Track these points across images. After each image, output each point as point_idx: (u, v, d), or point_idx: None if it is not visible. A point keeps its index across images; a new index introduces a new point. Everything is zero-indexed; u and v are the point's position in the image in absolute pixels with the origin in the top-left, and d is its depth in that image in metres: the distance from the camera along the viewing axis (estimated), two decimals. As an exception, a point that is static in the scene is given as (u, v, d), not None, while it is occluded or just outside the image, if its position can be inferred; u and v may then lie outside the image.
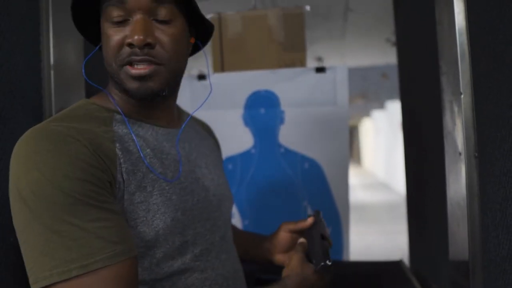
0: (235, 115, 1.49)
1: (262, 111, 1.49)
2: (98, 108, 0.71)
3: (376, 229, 5.69)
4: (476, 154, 0.81)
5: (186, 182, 0.73)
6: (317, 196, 1.49)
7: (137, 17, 0.66)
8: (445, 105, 0.93)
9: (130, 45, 0.65)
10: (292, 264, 0.80)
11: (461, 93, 0.84)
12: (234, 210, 1.56)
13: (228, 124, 1.49)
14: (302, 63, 1.47)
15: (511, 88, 0.67)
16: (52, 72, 1.03)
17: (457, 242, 0.90)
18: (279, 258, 0.96)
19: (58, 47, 1.06)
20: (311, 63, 4.59)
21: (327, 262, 0.99)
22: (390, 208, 7.02)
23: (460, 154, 0.86)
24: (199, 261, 0.72)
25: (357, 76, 6.31)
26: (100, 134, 0.64)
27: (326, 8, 2.80)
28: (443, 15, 0.91)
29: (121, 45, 0.66)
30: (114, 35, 0.66)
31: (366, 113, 13.59)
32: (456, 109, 0.87)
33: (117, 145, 0.65)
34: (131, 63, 0.66)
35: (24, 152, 0.59)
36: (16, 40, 0.93)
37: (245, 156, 1.53)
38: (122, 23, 0.66)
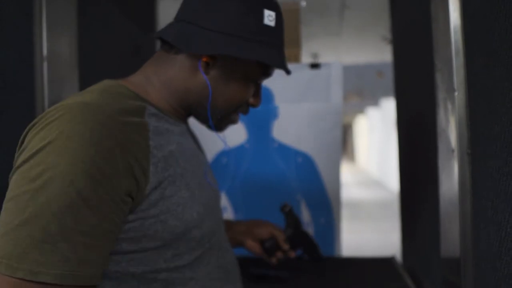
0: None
1: (257, 106, 1.49)
2: (134, 94, 0.68)
3: (370, 227, 5.72)
4: (469, 151, 0.82)
5: (200, 177, 0.75)
6: (310, 190, 1.50)
7: (260, 87, 0.80)
8: (439, 102, 0.93)
9: (252, 105, 0.79)
10: None
11: (455, 91, 0.84)
12: (227, 203, 1.56)
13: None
14: (296, 59, 1.47)
15: (504, 86, 0.67)
16: (45, 64, 1.02)
17: (449, 239, 0.90)
18: (250, 244, 1.02)
19: (52, 39, 1.05)
20: (307, 59, 4.58)
21: (321, 253, 1.02)
22: (384, 206, 7.06)
23: (453, 151, 0.86)
24: (212, 251, 0.75)
25: (353, 73, 6.32)
26: (134, 128, 0.62)
27: (322, 5, 2.80)
28: (438, 12, 0.91)
29: (247, 100, 0.78)
30: (249, 92, 0.76)
31: (361, 110, 13.64)
32: (450, 106, 0.87)
33: (151, 138, 0.64)
34: (239, 113, 0.79)
35: (56, 130, 0.55)
36: (9, 32, 0.92)
37: (238, 150, 1.53)
38: (255, 84, 0.77)
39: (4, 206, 0.54)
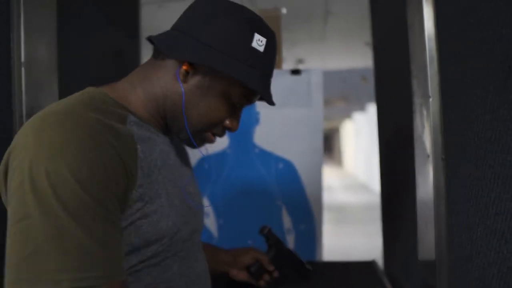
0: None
1: (238, 111, 1.49)
2: (114, 103, 0.68)
3: (356, 230, 5.76)
4: (443, 157, 0.83)
5: (181, 189, 0.75)
6: (291, 196, 1.51)
7: (240, 112, 0.78)
8: (416, 108, 0.95)
9: (228, 128, 0.77)
10: None
11: (429, 97, 0.86)
12: (209, 209, 1.56)
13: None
14: (278, 65, 1.48)
15: (475, 92, 0.69)
16: (22, 70, 1.01)
17: (425, 242, 0.92)
18: (235, 273, 1.02)
19: (30, 44, 1.04)
20: (292, 65, 4.61)
21: (308, 267, 1.03)
22: (370, 209, 7.11)
23: (428, 156, 0.88)
24: (175, 258, 0.73)
25: (338, 78, 6.37)
26: (121, 132, 0.63)
27: (307, 11, 2.83)
28: (414, 20, 0.93)
29: (222, 122, 0.75)
30: (225, 113, 0.74)
31: (348, 115, 13.75)
32: (425, 112, 0.89)
33: (138, 144, 0.65)
34: (216, 134, 0.77)
35: (47, 136, 0.56)
36: (-15, 36, 0.91)
37: (220, 156, 1.53)
38: (233, 106, 0.75)
39: (16, 226, 0.53)
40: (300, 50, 4.07)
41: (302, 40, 3.64)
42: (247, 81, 0.69)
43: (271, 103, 0.77)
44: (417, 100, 0.94)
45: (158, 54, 0.73)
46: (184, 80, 0.71)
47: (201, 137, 0.76)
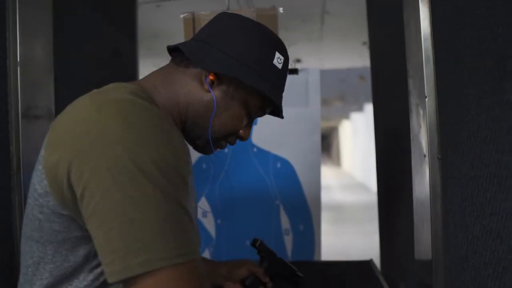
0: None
1: (235, 111, 1.49)
2: (147, 98, 0.68)
3: (354, 229, 5.76)
4: (439, 156, 0.84)
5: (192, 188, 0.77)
6: (289, 195, 1.51)
7: (252, 122, 0.82)
8: (412, 108, 0.95)
9: (241, 138, 0.80)
10: None
11: (425, 97, 0.86)
12: (207, 208, 1.56)
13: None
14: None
15: (469, 92, 0.69)
16: (18, 69, 1.01)
17: (422, 242, 0.92)
18: (230, 286, 1.02)
19: (26, 44, 1.03)
20: (290, 65, 4.61)
21: (299, 274, 1.04)
22: (368, 208, 7.12)
23: (425, 156, 0.88)
24: None
25: (336, 78, 6.37)
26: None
27: (304, 10, 2.83)
28: (410, 20, 0.93)
29: (239, 130, 0.78)
30: (242, 123, 0.78)
31: (346, 115, 13.76)
32: (421, 112, 0.89)
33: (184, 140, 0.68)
34: (229, 142, 0.81)
35: (140, 123, 0.57)
36: (-20, 36, 0.91)
37: (218, 155, 1.53)
38: (249, 117, 0.79)
39: (130, 207, 0.53)
40: (298, 50, 4.07)
41: (299, 39, 3.64)
42: (271, 95, 0.74)
43: (281, 117, 0.82)
44: (413, 100, 0.94)
45: (181, 61, 0.75)
46: (208, 90, 0.73)
47: (216, 145, 0.79)
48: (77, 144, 0.56)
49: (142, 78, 0.77)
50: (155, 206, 0.53)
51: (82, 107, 0.61)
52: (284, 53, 0.78)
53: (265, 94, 0.73)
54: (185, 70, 0.74)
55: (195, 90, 0.73)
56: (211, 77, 0.72)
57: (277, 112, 0.82)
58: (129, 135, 0.55)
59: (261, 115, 0.82)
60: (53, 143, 0.60)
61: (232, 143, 0.81)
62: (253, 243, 1.05)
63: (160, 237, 0.52)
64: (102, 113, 0.57)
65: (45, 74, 1.11)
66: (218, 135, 0.77)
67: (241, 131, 0.79)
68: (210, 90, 0.73)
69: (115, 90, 0.64)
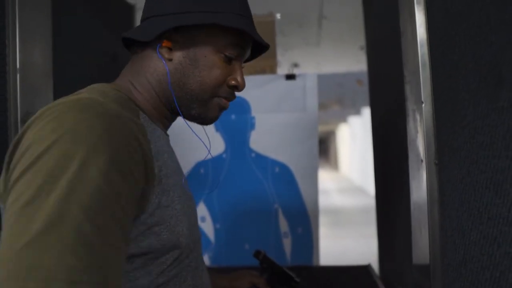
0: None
1: (233, 117, 1.50)
2: (126, 99, 0.66)
3: (352, 233, 5.76)
4: (436, 161, 0.84)
5: (184, 191, 0.73)
6: (287, 200, 1.51)
7: (241, 63, 0.75)
8: (409, 113, 0.96)
9: (235, 87, 0.74)
10: None
11: (422, 102, 0.87)
12: (206, 214, 1.56)
13: (199, 129, 1.49)
14: (272, 70, 1.49)
15: (465, 98, 0.70)
16: (18, 75, 1.01)
17: (420, 246, 0.92)
18: None
19: (25, 50, 1.04)
20: (287, 70, 4.62)
21: (297, 279, 1.05)
22: (366, 212, 7.13)
23: (422, 161, 0.88)
24: (189, 268, 0.71)
25: (333, 82, 6.39)
26: (140, 128, 0.60)
27: (301, 15, 2.84)
28: (406, 26, 0.94)
29: (224, 81, 0.72)
30: (223, 70, 0.72)
31: (343, 119, 13.79)
32: (418, 117, 0.90)
33: (151, 143, 0.62)
34: (225, 98, 0.74)
35: (70, 120, 0.52)
36: (-21, 42, 0.91)
37: (216, 160, 1.54)
38: (229, 61, 0.72)
39: (17, 212, 0.46)
40: (295, 55, 4.08)
41: (297, 44, 3.66)
42: (227, 22, 0.67)
43: (263, 42, 0.74)
44: (410, 105, 0.95)
45: (137, 48, 0.73)
46: (170, 58, 0.70)
47: (214, 106, 0.74)
48: (13, 148, 0.55)
49: (118, 77, 0.74)
50: (39, 212, 0.45)
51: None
52: None
53: (219, 25, 0.67)
54: (142, 54, 0.72)
55: (159, 66, 0.70)
56: (164, 44, 0.69)
57: (253, 35, 0.71)
58: (53, 132, 0.51)
59: (242, 53, 0.74)
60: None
61: (229, 98, 0.75)
62: (256, 255, 1.05)
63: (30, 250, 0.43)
64: (40, 115, 0.55)
65: (44, 79, 1.11)
66: (205, 96, 0.71)
67: (231, 81, 0.73)
68: (160, 57, 0.69)
69: (80, 92, 0.63)
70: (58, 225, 0.45)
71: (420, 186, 0.90)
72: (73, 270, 0.43)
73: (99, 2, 1.60)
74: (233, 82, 0.73)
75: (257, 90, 1.47)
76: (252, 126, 1.52)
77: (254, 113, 1.51)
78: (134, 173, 0.54)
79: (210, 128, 1.52)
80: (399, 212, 1.22)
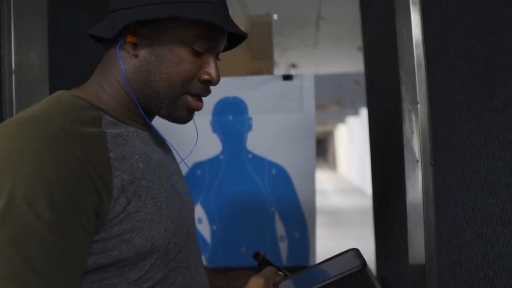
0: (203, 121, 1.49)
1: (230, 117, 1.50)
2: (86, 104, 0.63)
3: (350, 234, 5.77)
4: (432, 162, 0.85)
5: (168, 189, 0.70)
6: (284, 202, 1.51)
7: (214, 56, 0.70)
8: (405, 114, 0.96)
9: (208, 81, 0.69)
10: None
11: (418, 103, 0.87)
12: (203, 215, 1.56)
13: (191, 126, 1.49)
14: (269, 70, 1.49)
15: (460, 99, 0.70)
16: (13, 77, 1.01)
17: (416, 247, 0.93)
18: None
19: (20, 51, 1.04)
20: (285, 70, 4.63)
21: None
22: (363, 213, 7.13)
23: (417, 161, 0.89)
24: (178, 269, 0.69)
25: (331, 83, 6.40)
26: (92, 139, 0.58)
27: (299, 16, 2.85)
28: (402, 27, 0.95)
29: (194, 76, 0.68)
30: (192, 64, 0.67)
31: (342, 119, 13.80)
32: (414, 118, 0.90)
33: (111, 150, 0.60)
34: (195, 96, 0.69)
35: (3, 152, 0.51)
36: (-25, 44, 0.91)
37: (213, 162, 1.54)
38: (199, 54, 0.68)
39: None
40: (293, 55, 4.09)
41: (295, 45, 3.66)
42: (184, 14, 0.63)
43: (238, 31, 0.69)
44: (406, 106, 0.96)
45: (106, 45, 0.70)
46: (136, 54, 0.66)
47: (183, 105, 0.69)
48: None
49: (91, 78, 0.72)
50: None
51: None
52: None
53: (183, 18, 0.63)
54: (109, 52, 0.69)
55: (125, 63, 0.67)
56: (128, 40, 0.65)
57: (222, 24, 0.66)
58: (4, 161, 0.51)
59: (214, 45, 0.69)
60: None
61: (201, 94, 0.70)
62: (256, 257, 1.05)
63: None
64: None
65: (40, 81, 1.11)
66: (173, 93, 0.67)
67: (204, 76, 0.68)
68: (118, 53, 0.66)
69: (29, 109, 0.60)
70: None
71: (415, 186, 0.90)
72: None
73: (96, 4, 1.60)
74: (205, 76, 0.68)
75: (254, 91, 1.47)
76: (249, 127, 1.52)
77: (251, 113, 1.51)
78: (74, 195, 0.52)
79: (207, 129, 1.52)
80: (395, 212, 1.22)
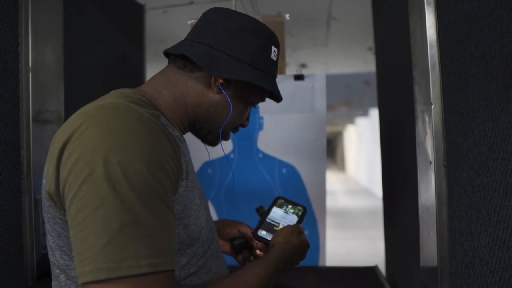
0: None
1: (242, 117, 1.50)
2: (148, 101, 0.71)
3: (358, 235, 5.74)
4: (445, 163, 0.84)
5: (199, 185, 0.79)
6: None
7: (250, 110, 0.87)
8: (418, 114, 0.96)
9: (243, 126, 0.87)
10: (283, 232, 0.87)
11: (431, 104, 0.87)
12: (213, 214, 1.57)
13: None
14: (281, 70, 1.49)
15: (477, 100, 0.70)
16: (30, 74, 1.03)
17: (427, 249, 0.92)
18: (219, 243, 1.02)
19: (37, 49, 1.05)
20: (295, 70, 4.62)
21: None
22: (372, 214, 7.09)
23: (430, 162, 0.88)
24: (212, 257, 0.78)
25: (341, 83, 6.37)
26: (165, 129, 0.65)
27: (310, 16, 2.84)
28: (416, 28, 0.94)
29: (242, 122, 0.86)
30: (246, 115, 0.85)
31: (351, 120, 13.73)
32: (427, 119, 0.89)
33: (176, 143, 0.66)
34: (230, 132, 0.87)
35: (116, 128, 0.57)
36: (-7, 42, 0.93)
37: (224, 160, 1.54)
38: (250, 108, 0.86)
39: (90, 215, 0.53)
40: (303, 55, 4.07)
41: (305, 45, 3.65)
42: (276, 92, 0.81)
43: (281, 98, 0.87)
44: (419, 106, 0.95)
45: (185, 66, 0.77)
46: (219, 92, 0.78)
47: (226, 137, 0.86)
48: (59, 154, 0.58)
49: (145, 83, 0.79)
50: (111, 214, 0.52)
51: (71, 118, 0.62)
52: (277, 44, 0.83)
53: (270, 90, 0.80)
54: (190, 74, 0.77)
55: (203, 92, 0.77)
56: (220, 81, 0.76)
57: (280, 98, 0.87)
58: (103, 141, 0.56)
59: (257, 102, 0.88)
60: (48, 156, 0.61)
61: (235, 131, 0.88)
62: (258, 210, 1.05)
63: (112, 246, 0.51)
64: (83, 122, 0.58)
65: (55, 79, 1.13)
66: (227, 130, 0.84)
67: (245, 121, 0.86)
68: (226, 95, 0.78)
69: (108, 97, 0.67)
70: (130, 224, 0.52)
71: (428, 187, 0.90)
72: (150, 256, 0.53)
73: (109, 3, 1.61)
74: (245, 123, 0.87)
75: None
76: (260, 126, 1.52)
77: (262, 113, 1.52)
78: (172, 168, 0.61)
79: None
80: (407, 213, 1.22)
